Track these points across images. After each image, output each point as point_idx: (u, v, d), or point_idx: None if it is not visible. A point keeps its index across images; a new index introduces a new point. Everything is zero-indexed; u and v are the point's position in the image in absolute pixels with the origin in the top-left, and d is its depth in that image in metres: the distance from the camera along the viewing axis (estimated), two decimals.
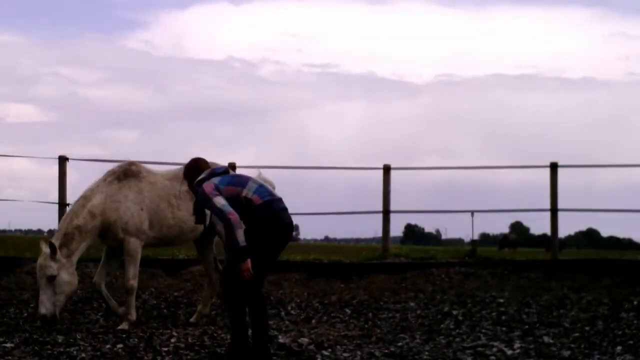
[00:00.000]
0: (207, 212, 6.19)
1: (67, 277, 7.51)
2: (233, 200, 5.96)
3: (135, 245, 7.94)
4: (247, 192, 6.04)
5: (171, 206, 8.18)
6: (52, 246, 7.43)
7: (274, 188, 7.01)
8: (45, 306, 7.34)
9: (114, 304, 8.13)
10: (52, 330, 7.32)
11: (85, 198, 7.93)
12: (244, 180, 6.20)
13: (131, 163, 8.27)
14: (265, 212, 6.00)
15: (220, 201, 5.90)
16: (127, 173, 8.10)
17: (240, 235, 5.79)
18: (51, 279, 7.40)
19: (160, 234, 8.19)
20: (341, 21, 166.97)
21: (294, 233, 6.65)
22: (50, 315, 7.35)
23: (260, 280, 6.05)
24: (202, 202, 6.11)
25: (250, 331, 6.04)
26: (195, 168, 6.46)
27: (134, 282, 7.96)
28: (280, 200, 6.19)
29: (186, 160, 6.67)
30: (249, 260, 5.79)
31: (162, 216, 8.14)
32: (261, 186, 6.16)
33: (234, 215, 5.82)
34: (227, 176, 6.24)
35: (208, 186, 6.05)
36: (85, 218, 7.77)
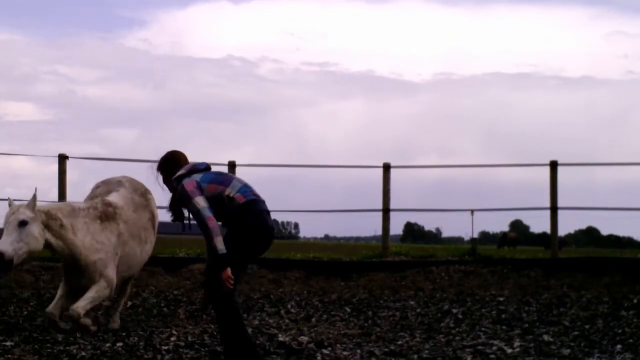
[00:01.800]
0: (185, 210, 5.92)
1: (37, 231, 6.84)
2: (215, 199, 5.71)
3: (106, 292, 7.33)
4: (230, 191, 5.77)
5: (141, 242, 7.80)
6: (34, 196, 6.85)
7: None
8: (5, 245, 6.59)
9: (64, 326, 7.26)
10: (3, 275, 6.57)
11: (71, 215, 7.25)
12: (228, 179, 5.92)
13: (108, 204, 7.61)
14: (248, 212, 5.74)
15: (200, 202, 5.63)
16: (107, 214, 7.52)
17: (220, 242, 5.53)
18: (22, 224, 6.75)
19: (127, 272, 7.74)
20: (340, 20, 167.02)
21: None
22: (8, 257, 6.58)
23: (236, 284, 5.68)
24: (181, 201, 5.82)
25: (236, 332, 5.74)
26: (173, 161, 6.04)
27: (82, 312, 7.08)
28: (264, 202, 5.92)
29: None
30: (229, 269, 5.52)
31: (132, 254, 7.69)
32: (246, 185, 5.89)
33: (212, 221, 5.56)
34: (210, 173, 5.94)
35: (190, 184, 5.74)
36: (65, 229, 7.11)
